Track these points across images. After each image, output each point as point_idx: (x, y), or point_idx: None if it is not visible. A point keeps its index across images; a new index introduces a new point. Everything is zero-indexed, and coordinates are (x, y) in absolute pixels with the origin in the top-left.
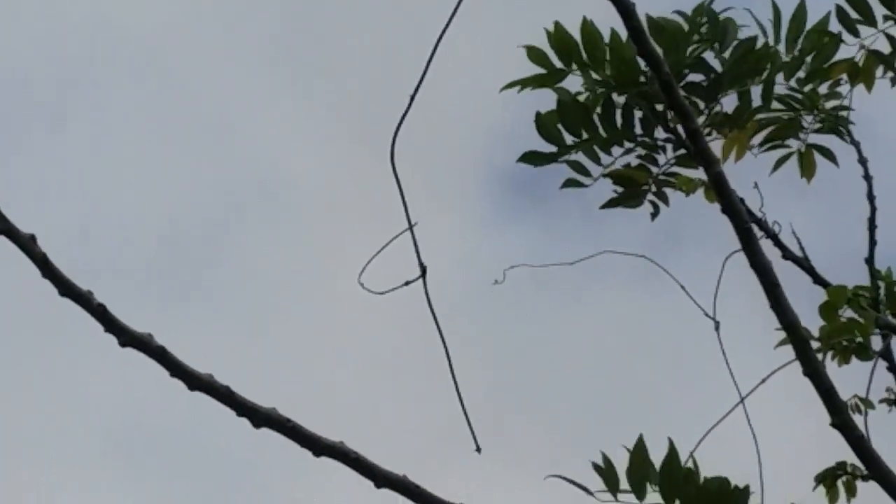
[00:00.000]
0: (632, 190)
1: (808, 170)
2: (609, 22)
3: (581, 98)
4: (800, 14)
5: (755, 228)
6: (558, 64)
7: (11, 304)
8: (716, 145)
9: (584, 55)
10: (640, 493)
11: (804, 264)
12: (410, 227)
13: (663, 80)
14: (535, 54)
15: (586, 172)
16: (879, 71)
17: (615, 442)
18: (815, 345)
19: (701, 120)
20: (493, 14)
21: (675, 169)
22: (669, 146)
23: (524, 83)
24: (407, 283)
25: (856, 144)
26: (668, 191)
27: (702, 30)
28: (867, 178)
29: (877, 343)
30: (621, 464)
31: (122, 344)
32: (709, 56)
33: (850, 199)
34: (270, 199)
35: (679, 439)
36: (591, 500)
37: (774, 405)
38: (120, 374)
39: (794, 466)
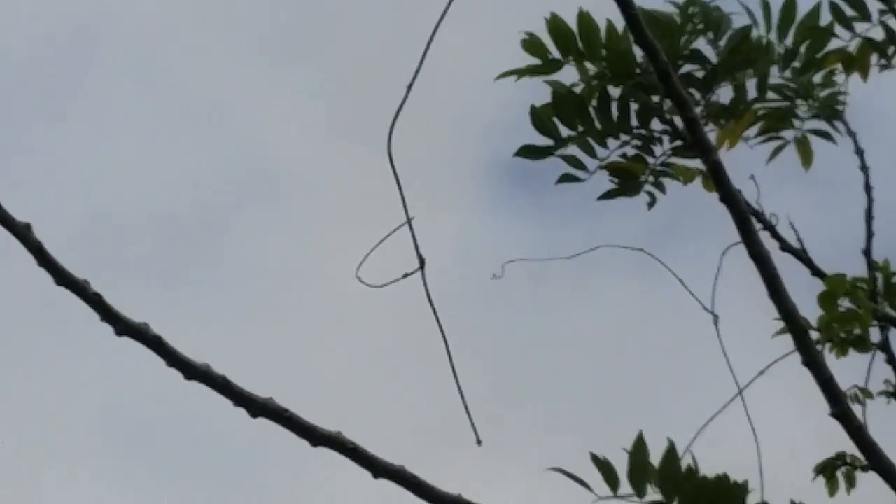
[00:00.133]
0: (629, 182)
1: (805, 157)
2: (604, 15)
3: (577, 90)
4: (789, 5)
5: (753, 220)
6: (555, 54)
7: (7, 294)
8: (712, 136)
9: (581, 46)
10: (640, 492)
11: (802, 256)
12: (409, 220)
13: (660, 69)
14: (531, 44)
15: (582, 167)
16: (874, 59)
17: (614, 434)
18: (813, 336)
19: (697, 110)
20: (490, 5)
21: (672, 160)
22: (666, 138)
23: (520, 73)
24: (405, 276)
25: (852, 135)
26: (665, 181)
27: (695, 20)
28: (864, 168)
29: (875, 335)
30: (621, 460)
31: (119, 333)
32: (704, 48)
33: (847, 190)
34: (268, 190)
35: (677, 432)
36: (589, 493)
37: (773, 397)
38: (116, 363)
39: (793, 457)
